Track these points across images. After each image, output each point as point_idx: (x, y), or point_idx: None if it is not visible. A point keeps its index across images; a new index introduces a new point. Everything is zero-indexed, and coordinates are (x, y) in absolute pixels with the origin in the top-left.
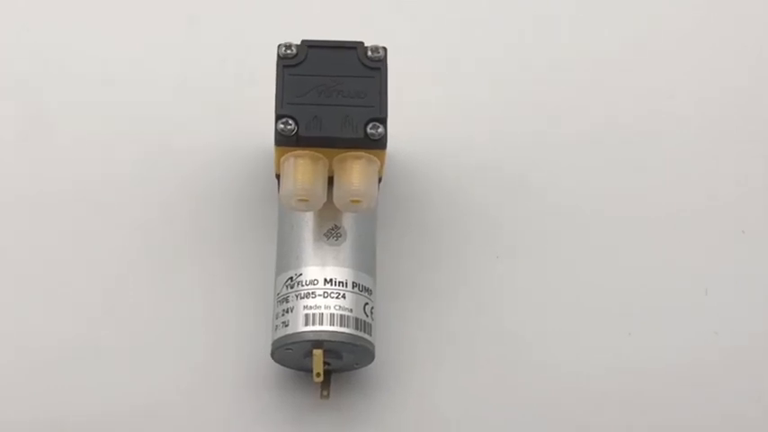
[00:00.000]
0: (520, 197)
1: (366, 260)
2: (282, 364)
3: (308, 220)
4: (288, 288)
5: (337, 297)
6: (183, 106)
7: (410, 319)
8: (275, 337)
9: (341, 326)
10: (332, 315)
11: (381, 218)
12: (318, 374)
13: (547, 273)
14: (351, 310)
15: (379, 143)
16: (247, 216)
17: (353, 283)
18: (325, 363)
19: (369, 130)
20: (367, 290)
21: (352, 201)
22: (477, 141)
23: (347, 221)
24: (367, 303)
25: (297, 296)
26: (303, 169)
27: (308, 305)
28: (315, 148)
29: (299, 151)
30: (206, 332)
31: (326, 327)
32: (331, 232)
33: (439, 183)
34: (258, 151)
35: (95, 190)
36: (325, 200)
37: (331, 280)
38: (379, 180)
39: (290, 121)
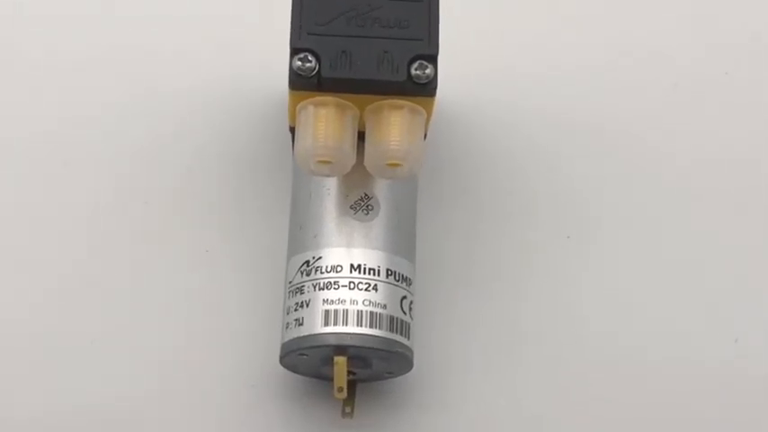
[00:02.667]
0: (598, 162)
1: (404, 241)
2: (294, 371)
3: (330, 188)
4: (303, 275)
5: (367, 289)
6: (172, 37)
7: (457, 315)
8: (286, 339)
9: (371, 326)
10: (359, 312)
11: (422, 186)
12: (341, 389)
13: (631, 258)
14: (384, 306)
15: (426, 88)
16: (252, 181)
17: (388, 270)
18: (349, 372)
19: (414, 71)
20: (405, 279)
21: (390, 164)
22: (546, 89)
23: (380, 190)
24: (405, 297)
25: (315, 286)
26: (326, 122)
27: (329, 298)
28: (342, 93)
29: (321, 98)
30: (198, 328)
31: (352, 328)
32: (360, 204)
33: (495, 142)
34: (267, 96)
35: (64, 140)
36: (353, 162)
37: (359, 266)
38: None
39: (310, 58)
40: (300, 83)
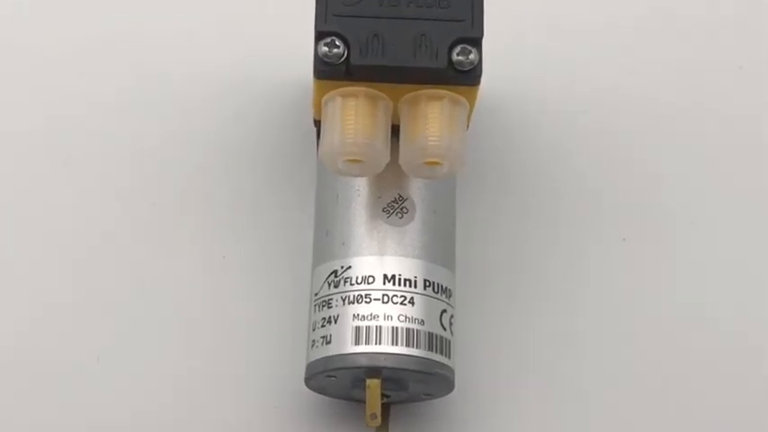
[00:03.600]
0: (657, 157)
1: (443, 247)
2: (322, 393)
3: (360, 189)
4: (331, 287)
5: (402, 302)
6: (180, 17)
7: (502, 330)
8: (312, 359)
9: (407, 345)
10: (394, 329)
11: (461, 185)
12: (374, 415)
13: (697, 261)
14: (422, 322)
15: (469, 76)
16: (273, 180)
17: (426, 281)
18: (383, 395)
19: (455, 57)
20: (445, 290)
21: (428, 162)
22: (599, 75)
23: (416, 191)
24: (445, 311)
25: (344, 299)
26: (355, 115)
27: (360, 313)
28: (374, 82)
29: (350, 88)
30: (215, 343)
31: (386, 347)
32: (393, 206)
33: (541, 135)
34: (288, 85)
35: (62, 137)
36: (387, 160)
37: (393, 277)
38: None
39: (338, 43)
40: (327, 71)
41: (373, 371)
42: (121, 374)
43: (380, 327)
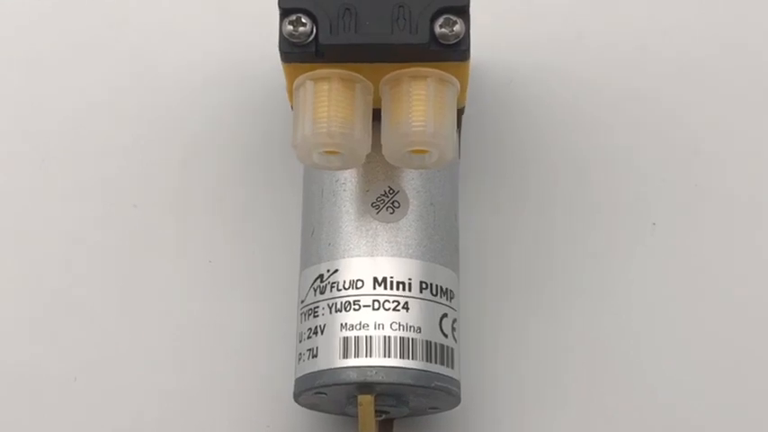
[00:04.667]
0: (684, 137)
1: (443, 244)
2: (315, 410)
3: (345, 182)
4: (317, 293)
5: (395, 308)
6: (163, 14)
7: (514, 334)
8: (299, 374)
9: (401, 356)
10: (386, 339)
11: (464, 173)
12: None
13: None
14: (419, 329)
15: (456, 50)
16: (262, 176)
17: (422, 283)
18: (379, 412)
19: (438, 29)
20: (445, 292)
21: (414, 151)
22: (617, 49)
23: (409, 182)
24: (445, 315)
25: (330, 307)
26: (329, 101)
27: (349, 323)
28: (349, 63)
29: (323, 70)
30: (201, 356)
31: (378, 359)
32: (383, 200)
33: (558, 113)
34: (275, 71)
35: (39, 136)
36: (368, 150)
37: (385, 280)
38: (459, 113)
39: (304, 20)
40: (294, 53)
41: (365, 386)
42: (100, 394)
43: (371, 337)
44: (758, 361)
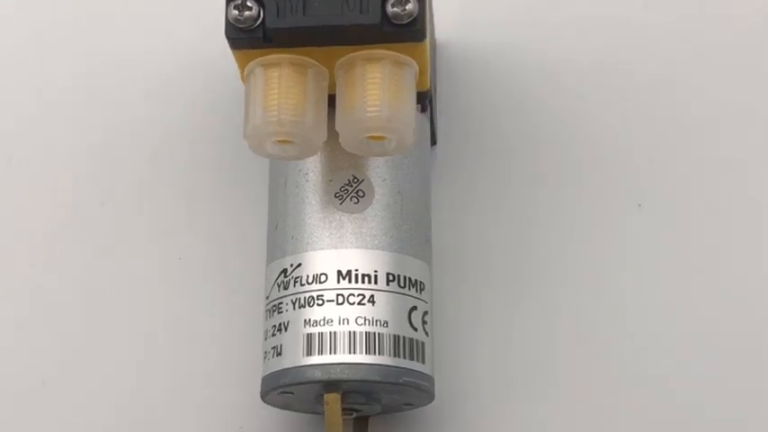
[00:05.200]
0: (671, 113)
1: (412, 233)
2: (287, 409)
3: (308, 171)
4: (281, 288)
5: (361, 302)
6: (127, 8)
7: (493, 325)
8: (265, 373)
9: (367, 352)
10: (351, 335)
11: (437, 157)
12: None
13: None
14: (385, 323)
15: (410, 30)
16: (232, 170)
17: (389, 275)
18: (350, 410)
19: (390, 9)
20: (415, 284)
21: (372, 137)
22: (598, 23)
23: (374, 170)
24: (415, 307)
25: (294, 303)
26: (279, 88)
27: (313, 319)
28: (299, 47)
29: (273, 56)
30: (172, 356)
31: (343, 356)
32: (347, 190)
33: (537, 93)
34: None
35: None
36: (324, 138)
37: (349, 273)
38: (423, 97)
39: (250, 3)
40: (241, 38)
41: (330, 385)
42: (70, 397)
43: (335, 333)
44: (753, 344)
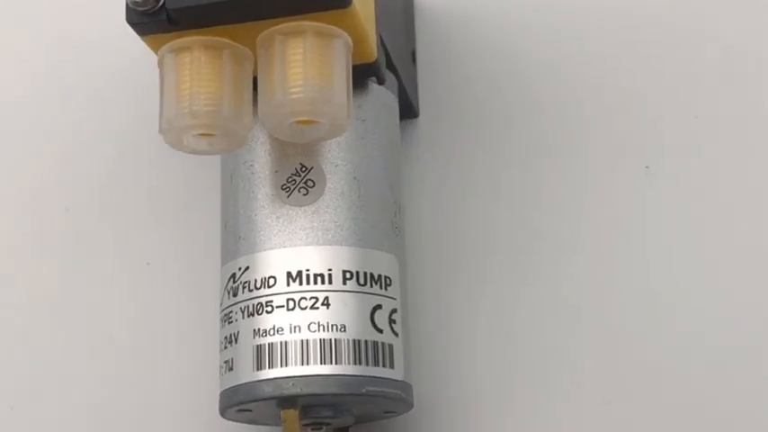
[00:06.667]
0: (678, 65)
1: (372, 224)
2: (253, 424)
3: (252, 164)
4: (230, 295)
5: (314, 306)
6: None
7: (478, 319)
8: (221, 389)
9: (324, 362)
10: (304, 344)
11: (407, 132)
12: None
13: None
14: (343, 328)
15: None
16: (200, 170)
17: (346, 272)
18: (317, 425)
19: None
20: (379, 280)
21: (299, 122)
22: None
23: (325, 155)
24: (379, 306)
25: (243, 311)
26: (191, 75)
27: (262, 328)
28: (210, 27)
29: (182, 39)
30: (140, 369)
31: (296, 368)
32: (295, 180)
33: (520, 53)
34: None
35: None
36: (251, 127)
37: (300, 274)
38: (373, 69)
39: None
40: (144, 23)
41: (285, 400)
42: (40, 413)
43: (286, 342)
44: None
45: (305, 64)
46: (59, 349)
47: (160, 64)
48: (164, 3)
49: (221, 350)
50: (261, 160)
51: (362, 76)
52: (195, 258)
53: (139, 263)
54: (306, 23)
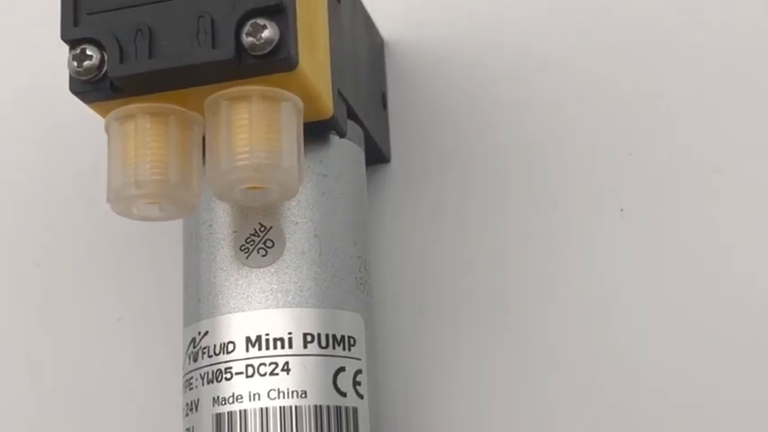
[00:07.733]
0: (651, 108)
1: (335, 283)
2: None
3: (211, 224)
4: (191, 360)
5: (273, 372)
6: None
7: (455, 376)
8: None
9: (282, 431)
10: (264, 412)
11: (376, 181)
12: None
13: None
14: (303, 394)
15: (274, 60)
16: (165, 222)
17: (307, 335)
18: None
19: (245, 39)
20: (342, 341)
21: (249, 188)
22: (565, 16)
23: (284, 213)
24: (342, 369)
25: (203, 378)
26: (135, 143)
27: (221, 396)
28: (154, 94)
29: (126, 107)
30: (107, 421)
31: None
32: (254, 241)
33: (498, 95)
34: None
35: None
36: (201, 194)
37: (259, 339)
38: (331, 124)
39: (90, 51)
40: (87, 92)
41: None
42: None
43: (245, 411)
44: (742, 347)
45: (251, 129)
46: (32, 406)
47: (107, 131)
48: (106, 71)
49: (184, 416)
50: (220, 220)
51: (322, 130)
52: (167, 313)
53: (111, 318)
54: (251, 88)
